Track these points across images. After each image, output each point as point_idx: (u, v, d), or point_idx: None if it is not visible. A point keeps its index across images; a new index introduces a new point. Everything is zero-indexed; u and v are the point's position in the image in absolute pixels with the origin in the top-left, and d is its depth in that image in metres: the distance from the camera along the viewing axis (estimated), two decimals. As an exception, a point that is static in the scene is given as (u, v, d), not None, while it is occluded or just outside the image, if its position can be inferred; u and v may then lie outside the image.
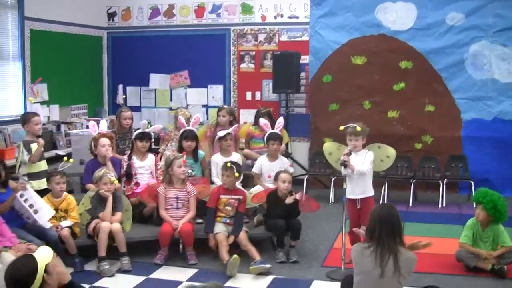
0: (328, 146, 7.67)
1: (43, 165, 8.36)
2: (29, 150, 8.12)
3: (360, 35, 11.38)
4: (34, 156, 8.11)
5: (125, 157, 8.60)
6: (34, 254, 4.29)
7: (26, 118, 8.50)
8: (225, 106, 9.97)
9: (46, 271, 4.19)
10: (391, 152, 7.36)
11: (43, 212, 7.11)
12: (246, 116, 12.11)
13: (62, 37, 11.79)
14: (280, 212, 7.61)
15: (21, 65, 10.71)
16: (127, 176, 8.46)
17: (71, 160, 7.94)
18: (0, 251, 5.77)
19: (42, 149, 8.36)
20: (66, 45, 11.90)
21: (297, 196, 7.65)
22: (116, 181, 7.72)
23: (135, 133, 8.60)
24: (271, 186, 8.24)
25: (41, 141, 8.30)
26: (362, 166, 7.00)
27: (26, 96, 10.70)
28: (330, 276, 7.00)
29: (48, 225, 7.14)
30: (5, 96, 10.43)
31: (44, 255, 4.33)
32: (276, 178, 7.85)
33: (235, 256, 7.06)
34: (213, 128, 9.62)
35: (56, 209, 7.39)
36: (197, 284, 3.18)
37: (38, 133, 8.48)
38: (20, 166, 8.23)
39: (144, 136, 8.53)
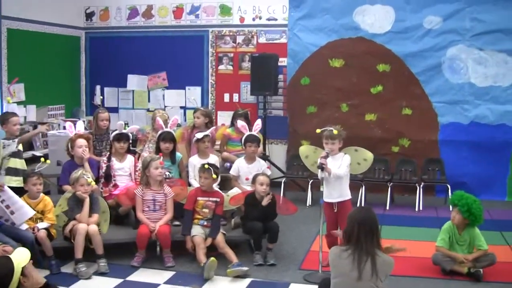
0: (304, 149, 7.67)
1: (18, 163, 8.32)
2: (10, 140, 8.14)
3: (338, 38, 11.46)
4: (28, 135, 8.15)
5: (104, 159, 8.56)
6: (11, 256, 4.27)
7: (4, 118, 8.48)
8: (201, 108, 9.95)
9: (22, 273, 4.16)
10: (368, 155, 7.37)
11: (20, 213, 7.06)
12: (224, 118, 12.08)
13: (40, 37, 11.71)
14: (257, 215, 7.61)
15: (-3, 65, 10.63)
16: (106, 177, 8.42)
17: (47, 161, 7.89)
18: (-25, 253, 5.73)
19: (36, 133, 8.38)
20: (43, 45, 11.81)
21: (270, 196, 7.66)
22: (93, 183, 7.70)
23: (112, 134, 8.57)
24: (248, 188, 8.23)
25: (43, 127, 8.28)
26: (339, 169, 7.01)
27: (3, 96, 10.62)
28: (308, 279, 7.00)
29: (24, 226, 7.10)
30: (-19, 96, 10.34)
31: (21, 257, 4.31)
32: (254, 180, 7.85)
33: (212, 258, 7.05)
34: (189, 130, 9.62)
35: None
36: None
37: (16, 134, 8.46)
38: (2, 162, 8.21)
39: (122, 137, 8.51)
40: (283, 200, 8.08)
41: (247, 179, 8.37)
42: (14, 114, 8.56)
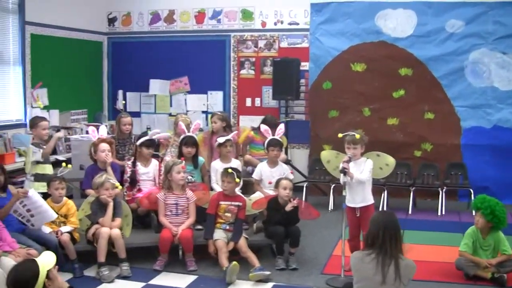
0: (326, 154, 7.64)
1: (47, 169, 8.37)
2: (39, 147, 8.20)
3: (360, 42, 11.42)
4: (49, 147, 8.20)
5: (129, 163, 8.58)
6: (37, 259, 4.29)
7: (34, 123, 8.58)
8: (218, 112, 9.96)
9: (47, 276, 4.19)
10: (390, 160, 7.33)
11: (41, 216, 7.08)
12: (246, 122, 12.08)
13: (63, 42, 11.80)
14: (280, 219, 7.60)
15: (21, 70, 10.70)
16: (131, 182, 8.45)
17: (69, 165, 7.95)
18: (0, 256, 5.76)
19: (54, 143, 8.41)
20: (66, 50, 11.90)
21: (295, 202, 7.65)
22: (120, 187, 7.73)
23: (141, 140, 8.58)
24: (271, 192, 8.24)
25: (58, 134, 8.35)
26: (361, 174, 6.98)
27: (27, 101, 10.70)
28: (330, 284, 6.98)
29: (47, 230, 7.14)
30: (5, 101, 10.42)
31: (46, 260, 4.33)
32: (277, 184, 7.85)
33: (234, 262, 7.05)
34: (208, 134, 9.63)
35: (56, 214, 7.39)
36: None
37: (45, 138, 8.53)
38: (30, 167, 8.28)
39: (151, 143, 8.58)
40: (305, 205, 8.06)
41: (270, 183, 8.37)
42: (43, 119, 8.64)
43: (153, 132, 8.73)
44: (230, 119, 10.27)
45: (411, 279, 5.02)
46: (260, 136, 9.50)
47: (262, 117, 10.29)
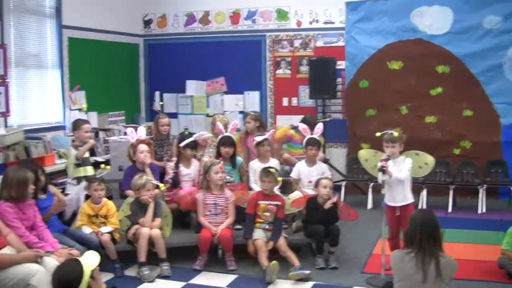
0: (364, 153, 7.59)
1: (88, 170, 8.42)
2: (77, 149, 8.29)
3: (396, 40, 11.38)
4: (81, 151, 8.25)
5: (171, 165, 8.60)
6: (81, 259, 4.32)
7: (76, 125, 8.65)
8: (251, 112, 9.96)
9: (91, 276, 4.21)
10: (429, 159, 7.25)
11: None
12: (283, 122, 12.09)
13: (100, 45, 11.89)
14: (319, 218, 7.59)
15: (59, 73, 10.81)
16: (174, 184, 8.48)
17: (108, 167, 8.00)
18: (43, 256, 5.82)
19: (88, 149, 8.44)
20: (103, 53, 11.99)
21: (334, 199, 7.64)
22: (163, 187, 7.78)
23: (185, 142, 8.57)
24: (309, 191, 8.22)
25: (92, 141, 8.42)
26: (400, 173, 6.93)
27: (65, 103, 10.80)
28: (370, 283, 6.95)
29: (88, 230, 7.23)
30: (44, 104, 10.52)
31: (90, 260, 4.36)
32: (317, 184, 7.83)
33: (274, 262, 7.05)
34: (243, 135, 9.64)
35: (96, 215, 7.46)
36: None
37: (87, 141, 8.57)
38: (72, 169, 8.36)
39: (196, 145, 8.62)
40: (344, 205, 8.02)
41: (309, 182, 8.32)
42: (86, 122, 8.72)
43: (199, 134, 8.74)
44: (263, 119, 10.21)
45: (452, 278, 4.98)
46: (299, 135, 9.48)
47: (299, 116, 10.28)
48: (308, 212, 7.82)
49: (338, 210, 7.72)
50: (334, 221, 7.68)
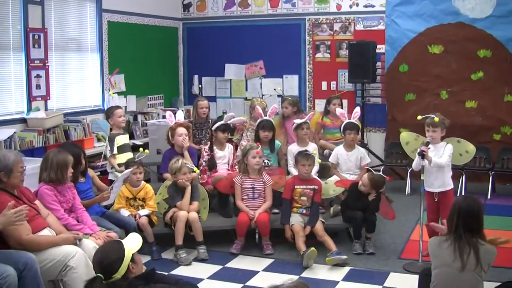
0: (406, 135, 7.53)
1: (129, 156, 8.45)
2: (112, 146, 8.29)
3: (437, 24, 11.22)
4: (112, 161, 8.31)
5: (206, 148, 8.61)
6: (123, 241, 4.33)
7: (109, 112, 8.70)
8: (288, 97, 9.90)
9: (132, 259, 4.22)
10: (471, 147, 7.17)
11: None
12: (322, 106, 11.96)
13: (139, 28, 11.94)
14: (359, 206, 7.57)
15: (99, 57, 10.88)
16: (210, 167, 8.48)
17: (146, 150, 8.04)
18: (81, 238, 5.87)
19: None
20: (142, 36, 12.04)
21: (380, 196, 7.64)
22: (198, 170, 7.80)
23: (216, 125, 8.57)
24: (347, 176, 8.19)
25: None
26: (440, 158, 6.87)
27: (104, 87, 10.88)
28: (407, 269, 6.91)
29: (126, 213, 7.29)
30: (83, 87, 10.60)
31: (133, 243, 4.36)
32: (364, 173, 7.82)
33: (312, 249, 7.04)
34: (281, 119, 9.60)
35: (134, 198, 7.53)
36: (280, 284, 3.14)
37: (122, 125, 8.63)
38: (103, 159, 8.43)
39: (226, 127, 8.58)
40: (384, 202, 7.96)
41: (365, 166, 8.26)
42: (118, 107, 8.75)
43: (228, 115, 8.73)
44: (300, 104, 10.15)
45: (492, 266, 4.92)
46: (330, 120, 9.45)
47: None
48: (348, 197, 7.80)
49: (380, 204, 7.68)
50: (373, 211, 7.65)
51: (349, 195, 7.81)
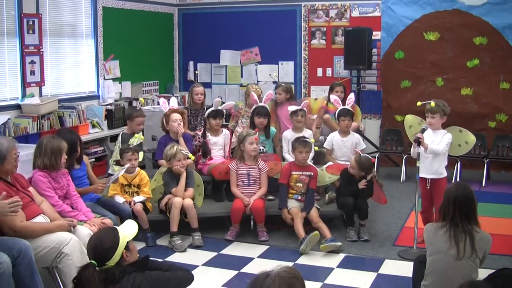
0: (410, 118, 7.42)
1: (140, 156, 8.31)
2: (124, 143, 8.13)
3: (433, 10, 11.17)
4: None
5: (199, 134, 8.59)
6: (119, 228, 4.30)
7: (130, 115, 8.56)
8: (282, 84, 9.86)
9: (126, 247, 4.20)
10: (471, 138, 7.12)
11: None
12: (317, 93, 12.06)
13: (134, 14, 11.90)
14: (351, 192, 7.57)
15: (94, 43, 10.85)
16: (204, 154, 8.47)
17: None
18: (76, 225, 5.86)
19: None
20: (137, 22, 12.00)
21: (364, 181, 7.63)
22: (192, 157, 7.78)
23: (207, 111, 8.57)
24: (342, 163, 8.19)
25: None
26: (437, 145, 6.85)
27: (99, 73, 10.86)
28: (402, 256, 6.93)
29: (121, 200, 7.26)
30: (78, 73, 10.58)
31: (128, 230, 4.34)
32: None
33: (315, 232, 7.06)
34: (273, 105, 9.54)
35: (129, 184, 7.49)
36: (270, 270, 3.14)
37: (137, 133, 8.38)
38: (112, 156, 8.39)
39: (217, 113, 8.50)
40: (376, 188, 7.95)
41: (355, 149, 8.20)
42: (141, 114, 8.57)
43: (215, 101, 8.63)
44: (293, 91, 10.12)
45: (488, 253, 4.92)
46: (333, 105, 9.42)
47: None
48: (341, 183, 7.80)
49: (373, 188, 7.69)
50: (366, 196, 7.66)
51: (341, 181, 7.82)
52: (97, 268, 4.04)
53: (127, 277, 4.09)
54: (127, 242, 4.22)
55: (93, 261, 4.07)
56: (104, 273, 4.06)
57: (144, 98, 11.12)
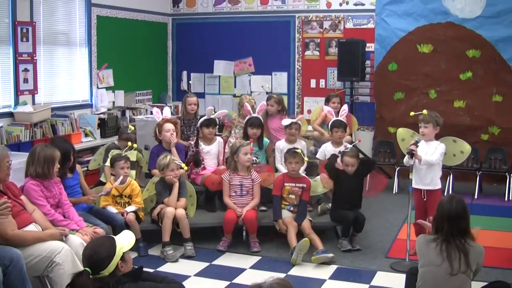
0: (402, 131, 7.46)
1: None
2: (106, 157, 8.07)
3: (427, 23, 11.22)
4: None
5: (192, 143, 8.57)
6: (116, 238, 4.27)
7: (121, 134, 8.54)
8: (274, 96, 9.82)
9: (122, 258, 4.16)
10: (466, 148, 7.14)
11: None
12: (310, 104, 12.07)
13: (128, 23, 11.89)
14: (345, 188, 7.62)
15: (87, 51, 10.83)
16: (196, 163, 8.46)
17: (134, 145, 7.99)
18: (68, 234, 5.84)
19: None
20: (131, 31, 11.99)
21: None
22: (186, 167, 7.77)
23: (200, 120, 8.55)
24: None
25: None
26: (431, 156, 6.86)
27: (93, 82, 10.84)
28: (395, 268, 6.92)
29: (113, 210, 7.23)
30: (71, 81, 10.56)
31: (125, 241, 4.30)
32: (341, 160, 7.75)
33: (305, 239, 7.06)
34: (264, 116, 9.50)
35: (120, 195, 7.47)
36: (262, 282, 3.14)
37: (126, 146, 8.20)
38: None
39: (210, 122, 8.47)
40: (372, 177, 7.96)
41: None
42: (129, 137, 8.34)
43: (208, 110, 8.60)
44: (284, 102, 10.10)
45: (481, 265, 4.90)
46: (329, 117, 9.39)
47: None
48: (335, 189, 7.79)
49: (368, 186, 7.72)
50: (360, 190, 7.74)
51: (332, 177, 7.81)
52: (91, 276, 4.02)
53: (120, 287, 4.07)
54: (123, 253, 4.19)
55: (87, 269, 4.05)
56: (98, 281, 4.04)
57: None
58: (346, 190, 7.64)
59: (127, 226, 7.09)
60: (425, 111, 6.90)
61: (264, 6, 12.64)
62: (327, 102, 9.75)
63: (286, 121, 8.66)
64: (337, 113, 8.76)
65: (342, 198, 7.64)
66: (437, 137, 7.06)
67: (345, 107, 8.92)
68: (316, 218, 7.87)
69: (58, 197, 6.31)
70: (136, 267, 4.40)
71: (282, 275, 6.59)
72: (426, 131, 6.92)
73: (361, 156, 7.94)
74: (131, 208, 7.38)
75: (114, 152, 7.88)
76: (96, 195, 7.11)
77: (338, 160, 7.79)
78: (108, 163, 7.87)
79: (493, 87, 10.90)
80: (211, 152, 8.52)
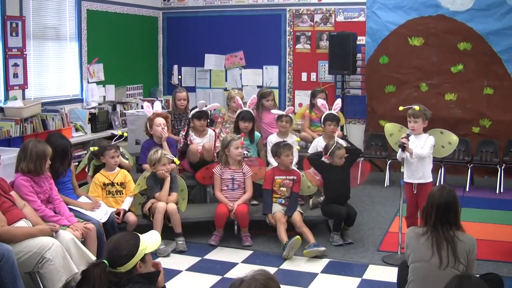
0: (390, 127, 7.46)
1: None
2: (89, 166, 8.00)
3: (418, 16, 11.22)
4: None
5: (181, 136, 8.53)
6: (142, 237, 4.15)
7: (101, 152, 7.82)
8: (272, 91, 9.72)
9: (143, 258, 4.07)
10: (454, 138, 7.15)
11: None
12: (301, 97, 12.06)
13: (118, 18, 11.85)
14: (335, 177, 7.64)
15: (77, 46, 10.78)
16: (183, 154, 8.42)
17: (125, 133, 7.97)
18: (58, 230, 5.81)
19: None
20: (122, 26, 11.96)
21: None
22: (178, 161, 7.74)
23: (192, 112, 8.50)
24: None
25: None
26: (421, 150, 6.85)
27: (83, 76, 10.80)
28: (386, 261, 6.93)
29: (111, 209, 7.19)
30: (62, 76, 10.52)
31: (150, 243, 4.19)
32: (332, 154, 7.72)
33: (297, 236, 7.06)
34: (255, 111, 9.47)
35: (112, 183, 7.47)
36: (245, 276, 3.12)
37: (112, 166, 7.73)
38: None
39: (201, 114, 8.42)
40: (357, 166, 7.98)
41: (326, 157, 8.14)
42: (110, 146, 7.68)
43: (200, 103, 8.55)
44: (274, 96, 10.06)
45: (475, 258, 4.82)
46: (315, 113, 9.36)
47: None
48: (325, 182, 7.80)
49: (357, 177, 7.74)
50: (347, 175, 7.76)
51: (319, 170, 7.86)
52: (107, 269, 3.93)
53: (131, 285, 3.97)
54: (144, 254, 4.10)
55: (105, 261, 3.97)
56: (112, 275, 3.94)
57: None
58: (334, 180, 7.65)
59: (104, 227, 6.87)
60: (417, 107, 6.86)
61: (255, 0, 12.60)
62: (313, 97, 9.65)
63: (276, 112, 8.64)
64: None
65: (333, 189, 7.66)
66: (425, 130, 7.04)
67: (339, 101, 8.85)
68: (307, 212, 7.85)
69: (48, 192, 6.29)
70: (154, 270, 4.29)
71: (274, 269, 6.62)
72: (415, 126, 6.90)
73: (345, 144, 7.94)
74: (127, 204, 7.43)
75: (96, 163, 7.88)
76: (95, 206, 7.07)
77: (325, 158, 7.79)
78: (90, 173, 7.87)
79: (484, 80, 10.91)
80: (201, 143, 8.45)
